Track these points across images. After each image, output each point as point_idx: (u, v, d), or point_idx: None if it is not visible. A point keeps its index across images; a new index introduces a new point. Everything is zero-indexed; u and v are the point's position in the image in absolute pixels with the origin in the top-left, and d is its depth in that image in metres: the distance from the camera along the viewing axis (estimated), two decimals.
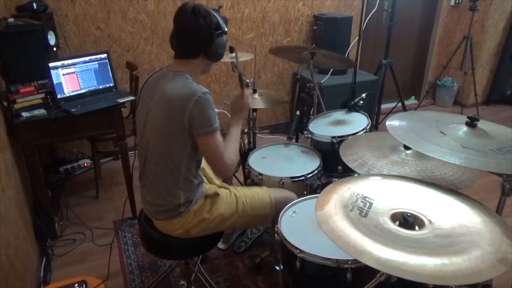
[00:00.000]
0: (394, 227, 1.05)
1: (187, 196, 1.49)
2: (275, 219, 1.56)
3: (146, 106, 1.47)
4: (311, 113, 2.48)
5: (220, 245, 2.25)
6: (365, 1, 2.94)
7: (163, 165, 1.44)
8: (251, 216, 1.61)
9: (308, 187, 1.89)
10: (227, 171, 1.47)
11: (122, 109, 2.29)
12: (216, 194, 1.57)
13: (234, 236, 2.31)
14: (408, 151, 1.52)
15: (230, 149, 1.49)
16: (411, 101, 4.60)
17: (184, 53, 1.45)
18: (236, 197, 1.60)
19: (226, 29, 1.45)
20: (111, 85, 2.45)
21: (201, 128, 1.37)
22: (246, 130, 2.42)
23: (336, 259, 1.28)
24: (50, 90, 2.21)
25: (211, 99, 1.39)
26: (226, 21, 1.47)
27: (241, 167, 2.46)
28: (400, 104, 3.75)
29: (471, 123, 1.25)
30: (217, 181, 1.73)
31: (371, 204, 1.13)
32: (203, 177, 1.64)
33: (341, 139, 1.97)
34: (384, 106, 3.91)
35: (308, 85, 2.47)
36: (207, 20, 1.38)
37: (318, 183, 1.99)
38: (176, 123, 1.37)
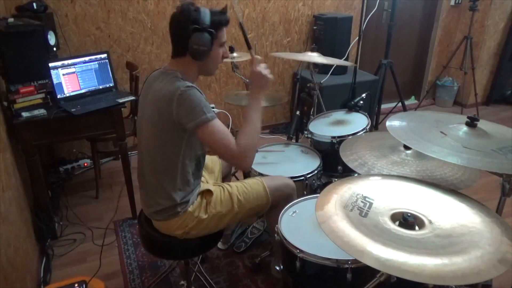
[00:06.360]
0: (394, 227, 1.05)
1: (184, 196, 1.48)
2: (275, 218, 1.56)
3: (142, 107, 1.49)
4: (311, 113, 2.48)
5: (220, 245, 2.24)
6: (365, 1, 2.94)
7: (158, 164, 1.44)
8: (248, 209, 1.61)
9: (308, 187, 1.88)
10: (239, 160, 1.36)
11: (122, 109, 2.29)
12: (209, 191, 1.56)
13: (234, 236, 2.31)
14: (408, 151, 1.52)
15: (242, 135, 1.37)
16: (411, 101, 4.60)
17: (173, 51, 1.45)
18: (230, 193, 1.60)
19: (205, 25, 1.33)
20: (111, 85, 2.45)
21: (192, 121, 1.32)
22: None
23: (336, 259, 1.28)
24: (50, 90, 2.21)
25: (196, 92, 1.33)
26: (226, 21, 1.40)
27: None
28: (400, 104, 3.75)
29: (471, 123, 1.25)
30: (212, 181, 1.73)
31: (371, 204, 1.13)
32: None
33: (341, 139, 1.98)
34: (384, 106, 3.91)
35: (308, 85, 2.47)
36: (184, 15, 1.34)
37: (318, 183, 1.99)
38: (167, 122, 1.36)
